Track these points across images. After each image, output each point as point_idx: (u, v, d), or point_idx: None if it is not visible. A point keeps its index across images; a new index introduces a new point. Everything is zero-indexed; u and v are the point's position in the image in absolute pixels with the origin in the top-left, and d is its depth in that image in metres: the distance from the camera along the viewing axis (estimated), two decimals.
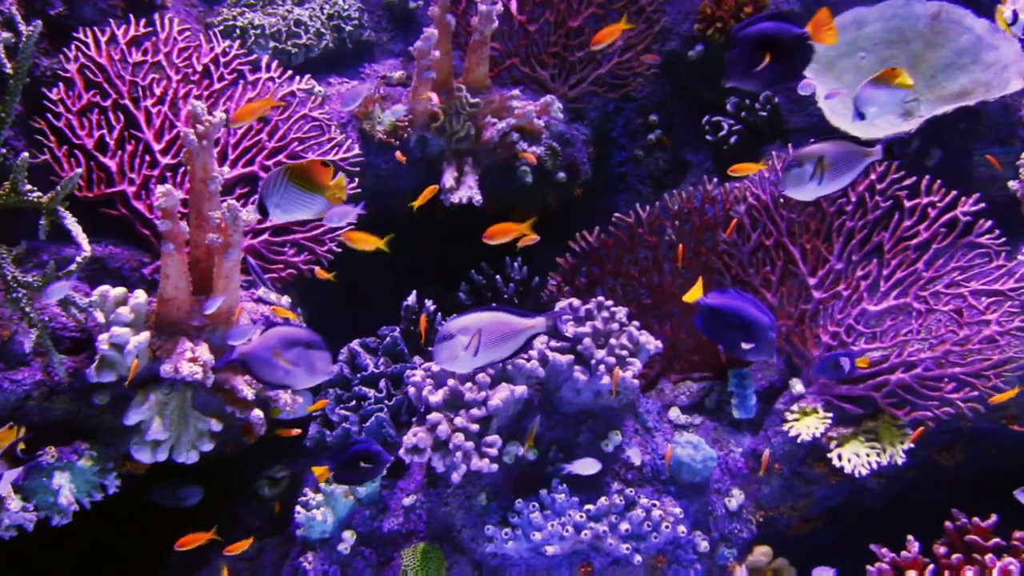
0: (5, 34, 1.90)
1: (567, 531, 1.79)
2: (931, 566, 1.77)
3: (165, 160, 2.12)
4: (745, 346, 1.56)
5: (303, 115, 2.32)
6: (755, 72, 1.42)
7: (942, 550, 1.79)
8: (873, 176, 2.11)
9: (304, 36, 2.55)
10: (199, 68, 2.28)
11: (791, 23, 1.43)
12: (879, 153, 1.41)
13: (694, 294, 1.64)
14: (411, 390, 1.93)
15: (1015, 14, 1.73)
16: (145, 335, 1.77)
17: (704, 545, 1.91)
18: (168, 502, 2.09)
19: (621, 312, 1.97)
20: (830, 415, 1.99)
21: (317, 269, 2.05)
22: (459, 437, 1.79)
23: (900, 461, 1.93)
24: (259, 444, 2.00)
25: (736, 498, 2.00)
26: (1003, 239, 2.04)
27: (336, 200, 1.49)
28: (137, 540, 2.16)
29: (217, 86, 2.28)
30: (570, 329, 1.91)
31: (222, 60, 2.32)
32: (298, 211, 1.50)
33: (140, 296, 1.81)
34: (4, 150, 1.87)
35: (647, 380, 2.26)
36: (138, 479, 1.96)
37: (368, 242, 1.84)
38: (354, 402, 2.14)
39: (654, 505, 1.86)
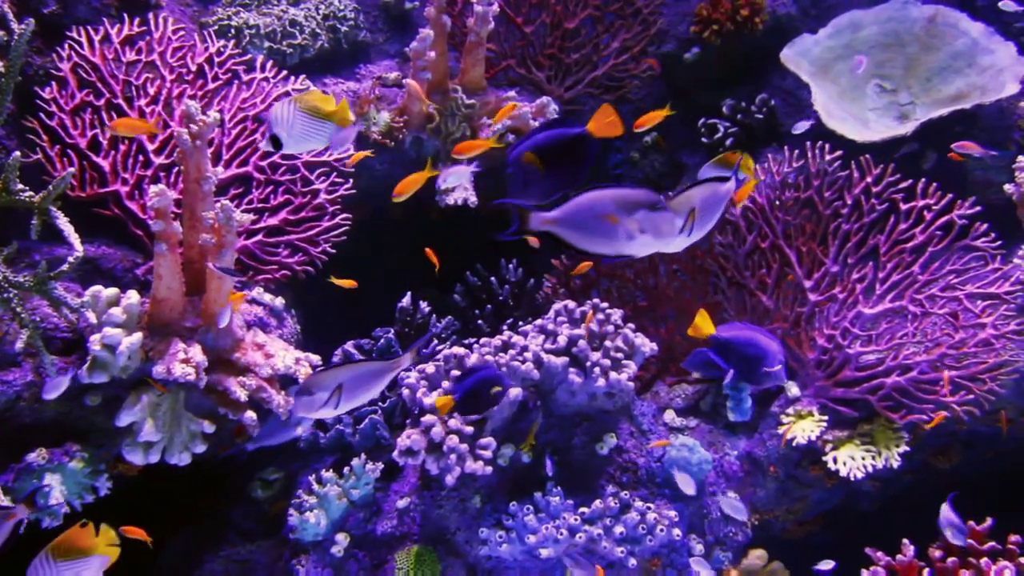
0: None
1: (561, 534, 1.78)
2: (926, 570, 1.76)
3: (159, 160, 2.11)
4: (761, 373, 1.60)
5: None
6: (534, 186, 1.36)
7: (937, 554, 1.78)
8: (869, 179, 2.11)
9: (299, 36, 2.54)
10: (193, 68, 2.27)
11: (571, 124, 1.38)
12: (732, 186, 1.38)
13: (704, 327, 1.64)
14: (405, 392, 1.92)
15: None
16: (137, 336, 1.76)
17: (699, 548, 1.90)
18: None
19: (616, 314, 1.97)
20: (825, 418, 1.99)
21: (346, 282, 1.99)
22: (453, 439, 1.78)
23: (896, 464, 1.93)
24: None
25: (732, 502, 1.99)
26: (999, 242, 2.03)
27: (344, 123, 1.48)
28: (128, 542, 2.15)
29: (211, 86, 2.27)
30: (565, 331, 1.91)
31: (216, 60, 2.31)
32: (312, 139, 1.48)
33: (133, 297, 1.80)
34: None
35: (642, 383, 2.26)
36: (130, 481, 1.95)
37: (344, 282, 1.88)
38: None
39: (649, 508, 1.86)
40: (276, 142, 1.46)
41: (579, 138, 1.36)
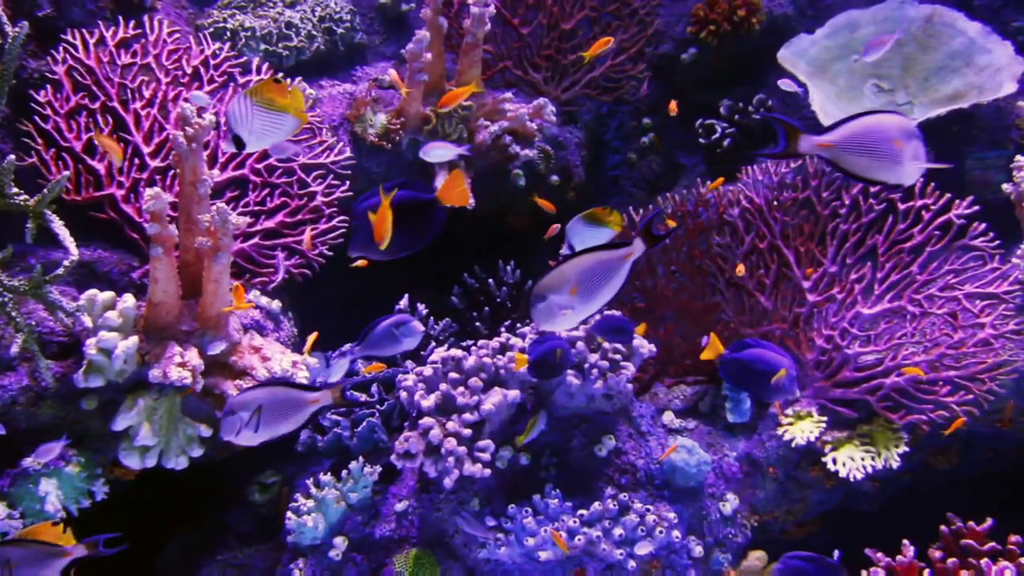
0: None
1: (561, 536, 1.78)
2: (927, 570, 1.76)
3: (154, 163, 2.11)
4: (771, 386, 1.60)
5: None
6: (374, 243, 1.37)
7: (937, 554, 1.78)
8: None
9: (295, 39, 2.54)
10: (189, 70, 2.26)
11: (423, 189, 1.39)
12: (638, 248, 1.33)
13: (714, 350, 1.66)
14: (403, 394, 1.91)
15: None
16: (134, 340, 1.75)
17: (698, 550, 1.89)
18: None
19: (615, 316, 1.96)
20: (825, 419, 1.98)
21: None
22: (451, 442, 1.78)
23: (895, 465, 1.92)
24: (249, 450, 1.98)
25: (730, 503, 1.98)
26: (997, 242, 2.03)
27: (300, 114, 1.39)
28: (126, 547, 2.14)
29: (207, 88, 2.26)
30: (563, 333, 1.90)
31: (212, 62, 2.30)
32: (272, 133, 1.39)
33: (128, 300, 1.79)
34: None
35: (641, 384, 2.25)
36: (127, 485, 1.94)
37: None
38: (344, 407, 2.12)
39: (648, 510, 1.85)
40: (238, 142, 1.39)
41: (428, 203, 1.37)
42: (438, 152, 2.07)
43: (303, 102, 1.39)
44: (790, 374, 1.60)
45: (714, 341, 1.66)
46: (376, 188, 1.37)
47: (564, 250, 1.70)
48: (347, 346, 2.08)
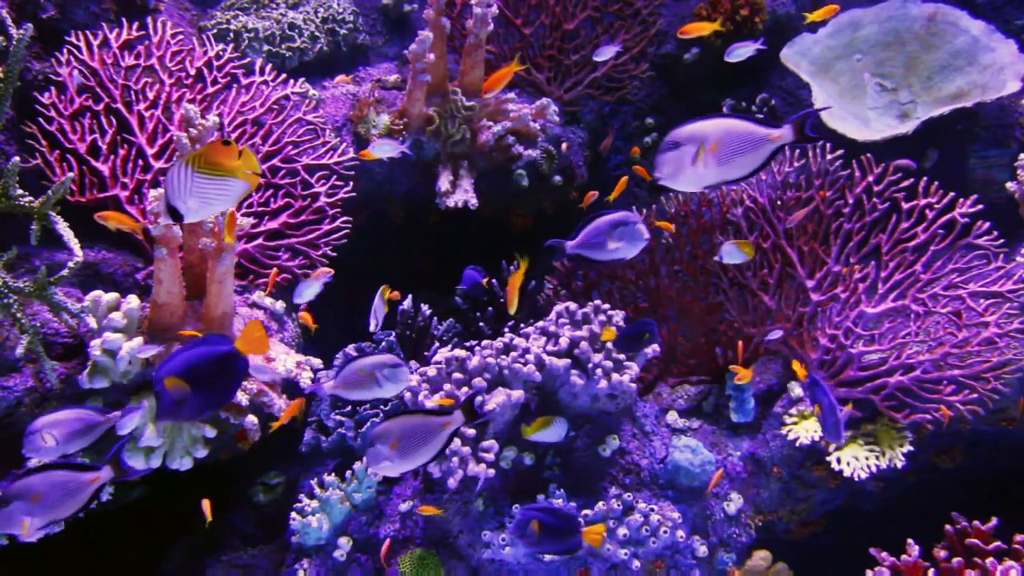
0: None
1: None
2: (931, 570, 1.76)
3: (158, 164, 2.11)
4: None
5: (297, 119, 2.31)
6: (185, 406, 1.33)
7: (942, 554, 1.78)
8: (871, 178, 2.10)
9: (298, 39, 2.54)
10: (192, 72, 2.27)
11: (217, 342, 1.35)
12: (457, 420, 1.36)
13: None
14: (407, 395, 1.91)
15: None
16: (138, 341, 1.75)
17: (703, 550, 1.89)
18: None
19: (618, 316, 1.96)
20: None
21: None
22: (455, 442, 1.78)
23: (899, 464, 1.92)
24: (254, 450, 1.98)
25: (735, 502, 1.98)
26: (1001, 241, 2.03)
27: (249, 177, 1.27)
28: (131, 547, 2.15)
29: (210, 90, 2.27)
30: (566, 333, 1.90)
31: (215, 64, 2.30)
32: (216, 202, 1.27)
33: (133, 301, 1.79)
34: None
35: (644, 384, 2.25)
36: (132, 485, 1.95)
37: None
38: (349, 407, 2.12)
39: (652, 510, 1.85)
40: (174, 213, 1.26)
41: (227, 356, 1.35)
42: (384, 148, 2.12)
43: (255, 163, 1.28)
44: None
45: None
46: (177, 351, 1.34)
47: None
48: (566, 242, 1.70)
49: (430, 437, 1.44)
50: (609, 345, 1.91)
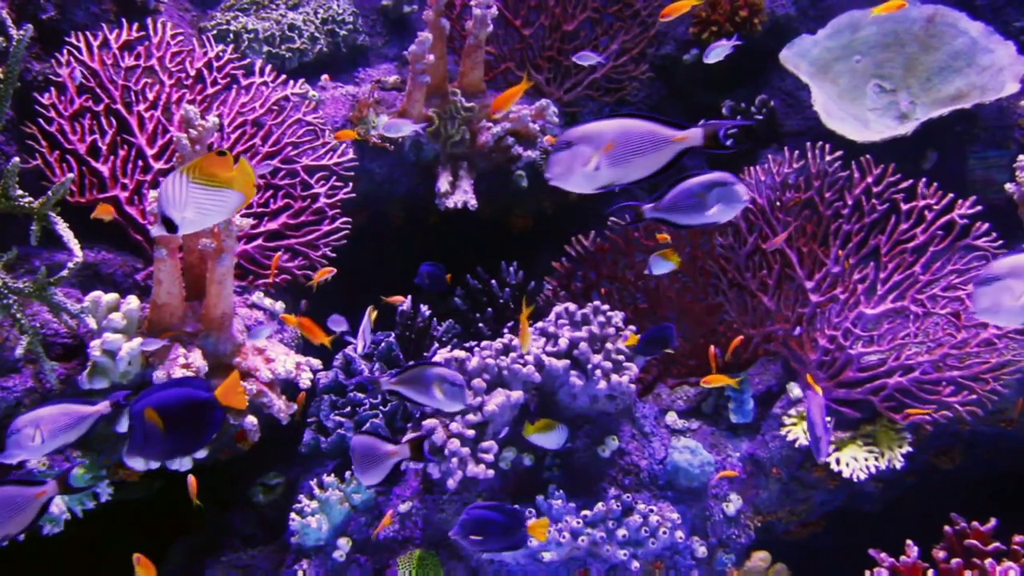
0: None
1: (564, 537, 1.78)
2: (931, 571, 1.76)
3: (158, 165, 2.11)
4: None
5: (297, 119, 2.31)
6: (153, 445, 1.32)
7: (941, 555, 1.78)
8: (870, 179, 2.10)
9: (298, 40, 2.54)
10: (192, 73, 2.27)
11: (197, 387, 1.34)
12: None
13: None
14: None
15: None
16: (138, 341, 1.75)
17: (702, 551, 1.89)
18: None
19: (617, 316, 1.96)
20: (828, 419, 1.98)
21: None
22: (455, 443, 1.78)
23: (899, 465, 1.92)
24: (253, 451, 1.99)
25: (734, 503, 1.98)
26: (1000, 242, 2.03)
27: (245, 188, 1.26)
28: (131, 548, 2.14)
29: (210, 91, 2.27)
30: (566, 334, 1.90)
31: (215, 65, 2.31)
32: (212, 214, 1.26)
33: (132, 302, 1.80)
34: None
35: (644, 385, 2.25)
36: (131, 486, 1.95)
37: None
38: (349, 408, 2.12)
39: (651, 511, 1.85)
40: (169, 224, 1.25)
41: (205, 403, 1.34)
42: (400, 127, 2.14)
43: (251, 174, 1.27)
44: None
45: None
46: (158, 387, 1.34)
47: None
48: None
49: (378, 462, 1.53)
50: (609, 346, 1.91)
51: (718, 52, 2.16)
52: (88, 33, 2.18)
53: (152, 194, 1.71)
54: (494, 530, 1.56)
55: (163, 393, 1.32)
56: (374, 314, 1.92)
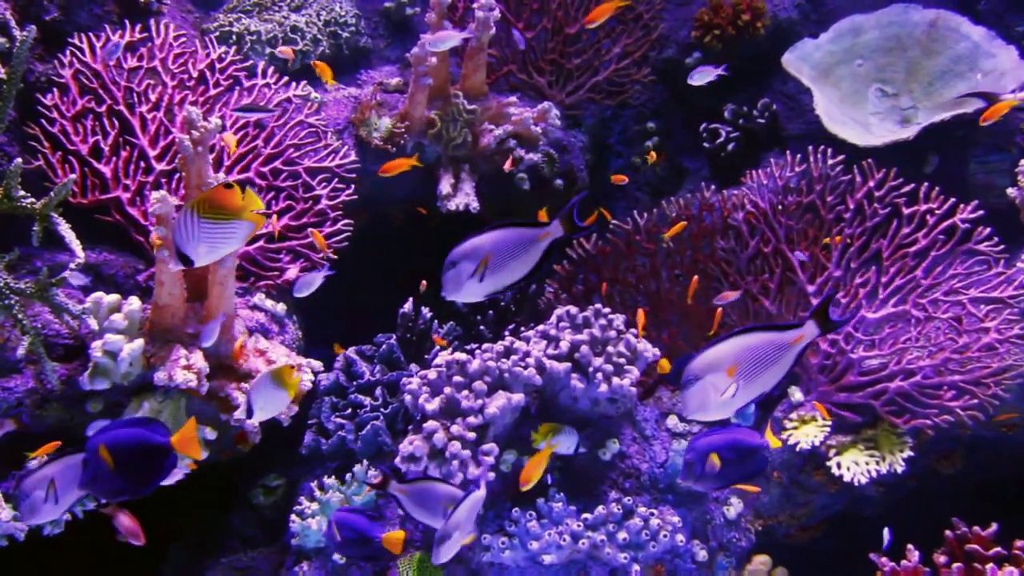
0: None
1: (564, 540, 1.77)
2: None
3: (160, 166, 2.11)
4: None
5: (299, 121, 2.31)
6: (102, 482, 1.32)
7: (942, 559, 1.78)
8: (871, 183, 2.10)
9: (300, 42, 2.55)
10: (195, 74, 2.27)
11: (154, 431, 1.35)
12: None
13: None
14: (407, 398, 1.91)
15: None
16: (139, 342, 1.76)
17: (702, 554, 1.89)
18: None
19: (618, 319, 1.96)
20: (829, 423, 1.98)
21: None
22: (455, 445, 1.78)
23: (899, 469, 1.92)
24: (254, 452, 1.99)
25: (735, 507, 1.98)
26: (1002, 246, 2.03)
27: (254, 217, 1.29)
28: (131, 548, 2.14)
29: (213, 92, 2.27)
30: (567, 337, 1.90)
31: (218, 66, 2.31)
32: (223, 245, 1.31)
33: (134, 303, 1.80)
34: None
35: (645, 388, 2.24)
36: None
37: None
38: (350, 410, 2.12)
39: (652, 514, 1.85)
40: (185, 260, 1.29)
41: (159, 448, 1.35)
42: (445, 41, 2.15)
43: (258, 203, 1.30)
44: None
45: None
46: (116, 424, 1.34)
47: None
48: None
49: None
50: (610, 349, 1.91)
51: (702, 76, 2.19)
52: (91, 34, 2.19)
53: (154, 195, 1.71)
54: (353, 538, 1.64)
55: (119, 432, 1.33)
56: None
